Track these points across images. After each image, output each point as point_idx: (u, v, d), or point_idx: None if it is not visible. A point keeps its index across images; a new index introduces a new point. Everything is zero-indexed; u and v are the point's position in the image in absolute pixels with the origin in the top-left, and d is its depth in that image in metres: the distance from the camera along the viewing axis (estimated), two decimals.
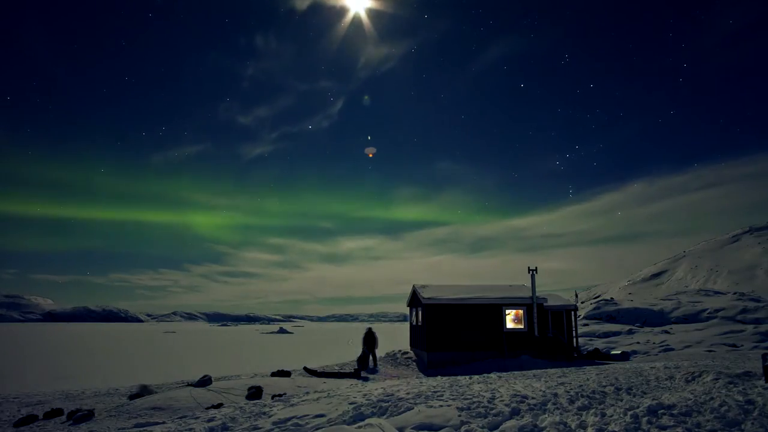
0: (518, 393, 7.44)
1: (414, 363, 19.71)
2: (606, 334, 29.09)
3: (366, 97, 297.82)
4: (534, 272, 19.63)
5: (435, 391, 7.87)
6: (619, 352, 21.55)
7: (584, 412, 6.20)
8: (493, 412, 6.27)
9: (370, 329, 19.88)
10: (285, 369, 17.31)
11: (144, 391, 12.38)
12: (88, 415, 9.90)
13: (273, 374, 15.92)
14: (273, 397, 10.48)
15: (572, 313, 21.22)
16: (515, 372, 12.83)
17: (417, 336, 21.48)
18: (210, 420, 7.11)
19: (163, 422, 7.71)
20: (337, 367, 19.09)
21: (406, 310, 23.99)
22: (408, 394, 7.70)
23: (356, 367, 18.04)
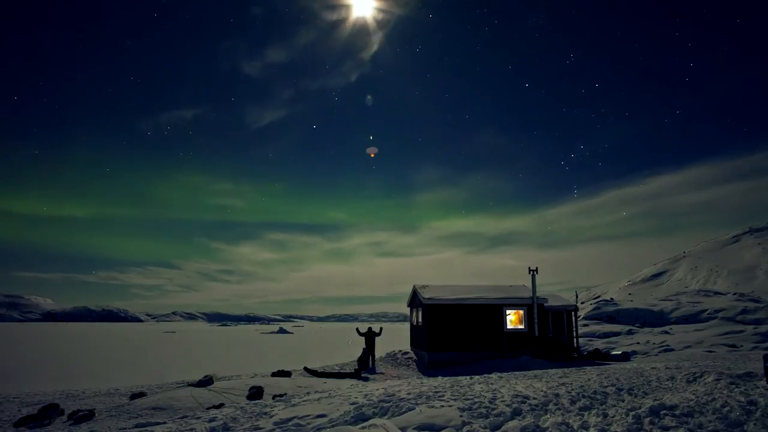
0: (519, 393, 7.43)
1: (414, 363, 19.70)
2: (606, 335, 29.08)
3: (369, 97, 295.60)
4: (534, 272, 19.62)
5: (436, 392, 7.86)
6: (620, 352, 21.54)
7: (586, 413, 6.20)
8: (495, 412, 6.26)
9: (369, 329, 19.86)
10: (285, 369, 17.29)
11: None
12: (88, 415, 9.90)
13: (273, 374, 15.91)
14: (274, 397, 10.47)
15: (572, 313, 21.22)
16: (516, 372, 12.82)
17: (417, 336, 21.47)
18: (211, 420, 7.10)
19: (164, 422, 7.70)
20: (337, 367, 19.08)
21: (407, 310, 23.98)
22: (409, 394, 7.69)
23: (357, 367, 18.02)
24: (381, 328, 20.79)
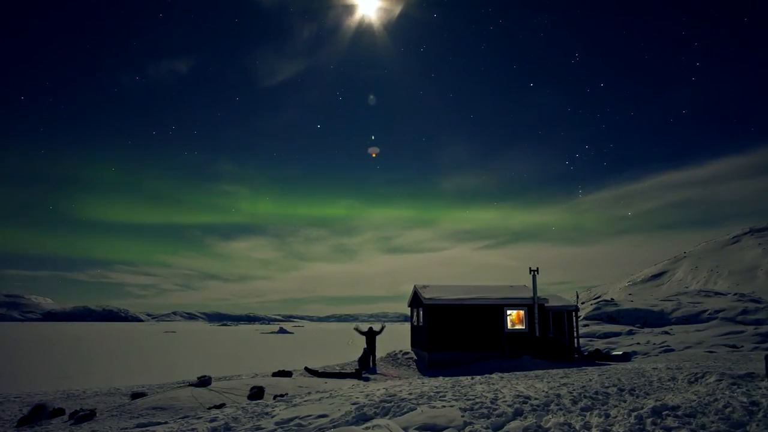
0: (521, 394, 7.42)
1: (415, 363, 19.68)
2: (606, 335, 29.06)
3: (371, 97, 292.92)
4: (535, 273, 19.61)
5: (437, 392, 7.86)
6: (620, 352, 21.52)
7: (588, 413, 6.19)
8: (497, 412, 6.25)
9: (370, 328, 19.86)
10: (286, 369, 17.28)
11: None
12: (89, 415, 9.89)
13: (274, 374, 15.90)
14: (275, 397, 10.46)
15: (573, 313, 21.20)
16: (517, 372, 12.82)
17: (418, 336, 21.46)
18: (212, 420, 7.09)
19: (165, 422, 7.69)
20: (338, 368, 19.07)
21: (407, 310, 23.97)
22: (410, 394, 7.69)
23: (357, 367, 18.02)
24: (383, 327, 20.74)
